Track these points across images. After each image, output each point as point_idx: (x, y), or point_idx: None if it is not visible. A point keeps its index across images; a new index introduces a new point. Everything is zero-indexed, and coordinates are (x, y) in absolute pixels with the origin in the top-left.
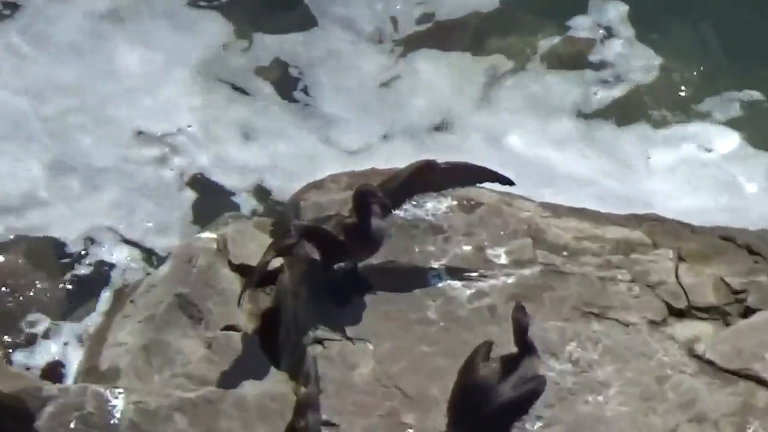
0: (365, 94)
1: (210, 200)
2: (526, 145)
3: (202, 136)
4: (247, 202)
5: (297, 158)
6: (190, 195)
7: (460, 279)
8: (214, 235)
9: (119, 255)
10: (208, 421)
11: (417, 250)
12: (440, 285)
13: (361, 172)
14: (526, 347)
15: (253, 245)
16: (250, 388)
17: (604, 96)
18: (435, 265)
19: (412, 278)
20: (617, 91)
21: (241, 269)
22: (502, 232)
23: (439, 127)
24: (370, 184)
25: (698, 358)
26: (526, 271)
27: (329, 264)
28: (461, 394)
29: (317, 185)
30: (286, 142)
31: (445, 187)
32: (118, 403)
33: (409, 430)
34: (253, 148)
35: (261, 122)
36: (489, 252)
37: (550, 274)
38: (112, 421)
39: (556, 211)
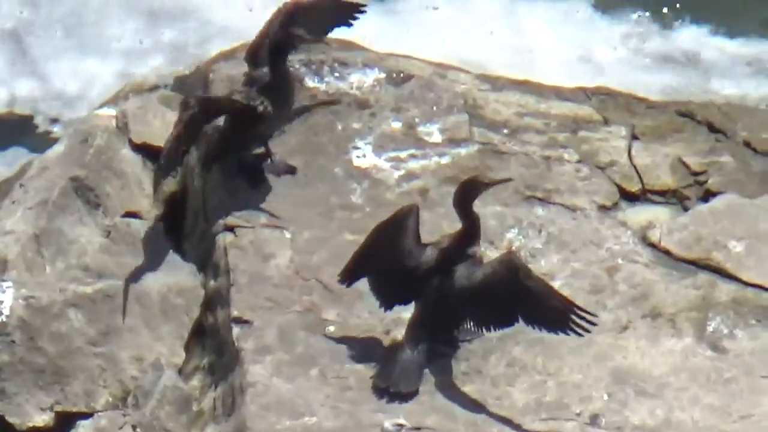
0: None
1: None
2: None
3: None
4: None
5: None
6: None
7: (388, 159)
8: (113, 112)
9: None
10: (106, 318)
11: (340, 127)
12: (366, 166)
13: None
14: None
15: (158, 122)
16: (152, 281)
17: None
18: (360, 143)
19: (334, 158)
20: None
21: (144, 149)
22: (435, 108)
23: None
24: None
25: (653, 246)
26: (462, 151)
27: (241, 141)
28: None
29: (227, 55)
30: None
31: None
32: (6, 298)
33: (330, 327)
34: None
35: None
36: (420, 129)
37: (489, 153)
38: None
39: (496, 83)
